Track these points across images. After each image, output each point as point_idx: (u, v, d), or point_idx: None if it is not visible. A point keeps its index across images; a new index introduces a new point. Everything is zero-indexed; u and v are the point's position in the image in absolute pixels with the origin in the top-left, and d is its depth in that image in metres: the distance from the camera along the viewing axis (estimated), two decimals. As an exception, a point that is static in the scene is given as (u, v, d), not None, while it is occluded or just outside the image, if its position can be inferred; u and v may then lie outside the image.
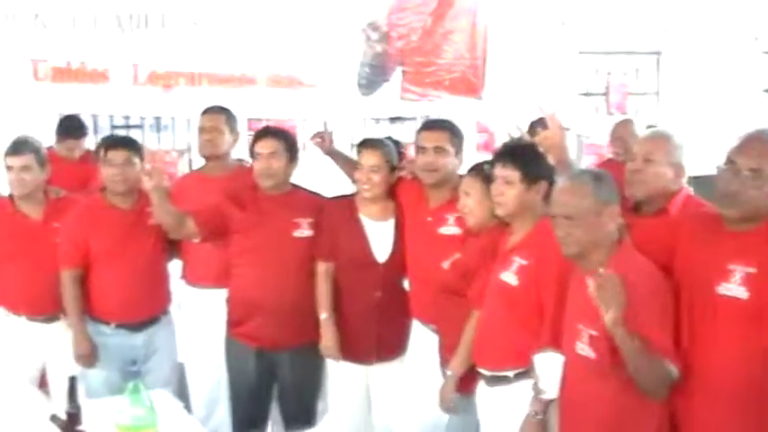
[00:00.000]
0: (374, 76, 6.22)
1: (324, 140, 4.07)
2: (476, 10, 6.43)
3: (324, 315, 3.57)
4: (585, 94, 7.16)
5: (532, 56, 6.59)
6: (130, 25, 5.60)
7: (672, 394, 2.46)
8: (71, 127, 5.20)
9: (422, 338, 3.55)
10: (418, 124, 6.71)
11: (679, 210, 2.92)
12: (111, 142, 3.88)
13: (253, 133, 4.98)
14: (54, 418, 2.82)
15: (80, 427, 2.82)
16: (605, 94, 7.22)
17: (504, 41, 6.54)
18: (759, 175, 2.40)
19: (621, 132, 5.14)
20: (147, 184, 3.45)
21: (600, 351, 2.47)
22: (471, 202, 3.22)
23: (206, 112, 4.20)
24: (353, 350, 3.62)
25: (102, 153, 3.80)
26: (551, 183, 2.94)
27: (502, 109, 6.57)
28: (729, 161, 2.46)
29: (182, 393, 3.91)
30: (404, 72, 6.32)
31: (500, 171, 2.96)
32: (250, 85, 5.88)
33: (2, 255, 3.80)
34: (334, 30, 6.05)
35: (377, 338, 3.62)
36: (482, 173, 3.24)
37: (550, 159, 2.94)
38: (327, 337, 3.55)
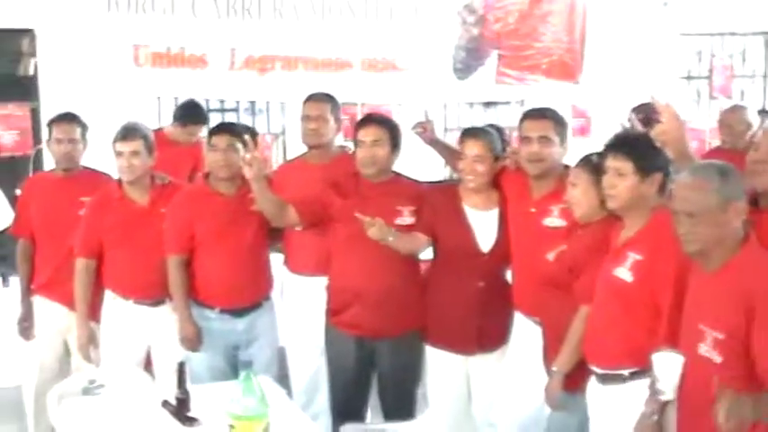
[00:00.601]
0: (470, 60, 6.12)
1: (425, 130, 4.03)
2: (574, -9, 6.28)
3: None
4: (687, 78, 6.93)
5: (632, 38, 6.40)
6: (228, 11, 5.64)
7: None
8: (196, 113, 5.25)
9: (524, 331, 3.49)
10: (513, 109, 6.65)
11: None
12: (215, 129, 3.91)
13: (347, 117, 5.04)
14: (165, 404, 2.87)
15: (190, 413, 2.87)
16: (708, 77, 6.97)
17: (604, 23, 6.35)
18: None
19: (730, 119, 4.95)
20: (248, 173, 3.46)
21: (726, 354, 2.36)
22: (579, 194, 3.15)
23: (310, 99, 4.11)
24: (454, 340, 3.59)
25: (207, 139, 3.86)
26: (666, 174, 2.84)
27: (599, 93, 6.43)
28: None
29: (282, 378, 3.94)
30: (500, 56, 6.20)
31: (612, 162, 2.87)
32: (345, 69, 5.86)
33: (110, 240, 3.88)
34: (430, 13, 5.98)
35: (478, 329, 3.57)
36: (590, 163, 3.16)
37: (669, 153, 2.82)
38: None
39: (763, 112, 5.80)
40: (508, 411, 3.56)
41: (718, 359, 2.39)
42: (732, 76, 7.06)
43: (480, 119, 6.67)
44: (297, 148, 5.84)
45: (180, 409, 2.86)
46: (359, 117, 6.05)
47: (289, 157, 6.13)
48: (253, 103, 6.21)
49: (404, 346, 3.65)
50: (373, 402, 3.85)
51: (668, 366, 2.42)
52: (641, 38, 6.44)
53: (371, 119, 3.77)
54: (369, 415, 3.88)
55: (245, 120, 6.20)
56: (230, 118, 6.25)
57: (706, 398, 2.38)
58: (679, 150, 2.78)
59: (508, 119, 6.60)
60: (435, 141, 4.09)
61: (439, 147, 4.12)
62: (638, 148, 2.86)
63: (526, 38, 6.20)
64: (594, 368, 2.92)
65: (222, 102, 6.21)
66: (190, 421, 2.84)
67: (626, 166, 2.82)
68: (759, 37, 7.09)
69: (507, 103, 6.52)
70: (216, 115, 6.23)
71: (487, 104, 6.59)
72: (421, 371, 3.75)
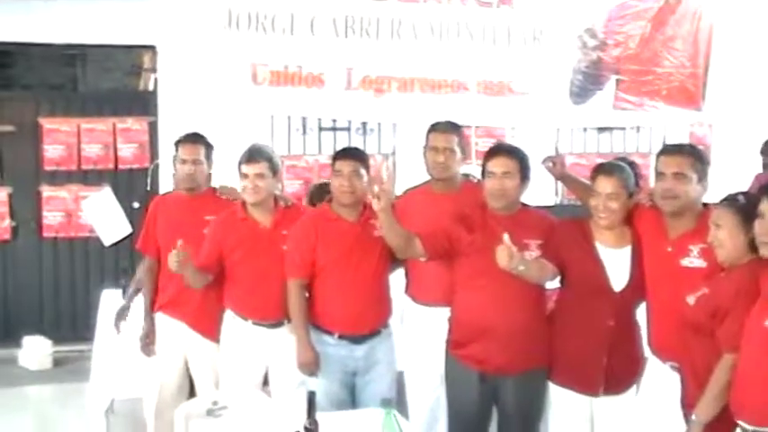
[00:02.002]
0: (587, 85, 6.01)
1: (555, 165, 3.94)
2: (700, 15, 6.09)
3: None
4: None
5: (759, 64, 6.18)
6: (346, 30, 5.66)
7: None
8: None
9: (659, 375, 3.36)
10: (628, 135, 6.51)
11: None
12: (340, 153, 3.90)
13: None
14: (297, 435, 2.85)
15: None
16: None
17: (729, 49, 6.15)
18: None
19: None
20: (376, 205, 3.42)
21: None
22: (723, 235, 3.01)
23: (437, 130, 4.00)
24: (579, 379, 3.49)
25: (331, 164, 3.85)
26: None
27: (721, 120, 6.23)
28: None
29: (400, 402, 3.89)
30: (618, 81, 6.07)
31: (768, 207, 2.73)
32: (461, 92, 5.81)
33: (232, 259, 3.91)
34: (549, 36, 5.90)
35: (605, 369, 3.45)
36: (737, 203, 3.03)
37: None
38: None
39: None
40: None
41: None
42: None
43: (594, 144, 6.56)
44: (406, 168, 5.86)
45: (310, 441, 2.83)
46: (472, 140, 6.07)
47: (398, 179, 6.14)
48: (365, 123, 6.23)
49: (528, 384, 3.56)
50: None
51: None
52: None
53: (502, 149, 3.69)
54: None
55: (357, 140, 6.23)
56: (342, 137, 6.30)
57: None
58: None
59: (623, 145, 6.49)
60: (565, 177, 3.99)
61: (569, 181, 4.01)
62: None
63: (647, 63, 6.06)
64: (744, 424, 2.77)
65: (334, 121, 6.24)
66: (321, 454, 2.80)
67: None
68: None
69: (623, 128, 6.38)
70: (327, 134, 6.30)
71: (601, 130, 6.46)
72: (544, 409, 3.64)
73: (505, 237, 3.20)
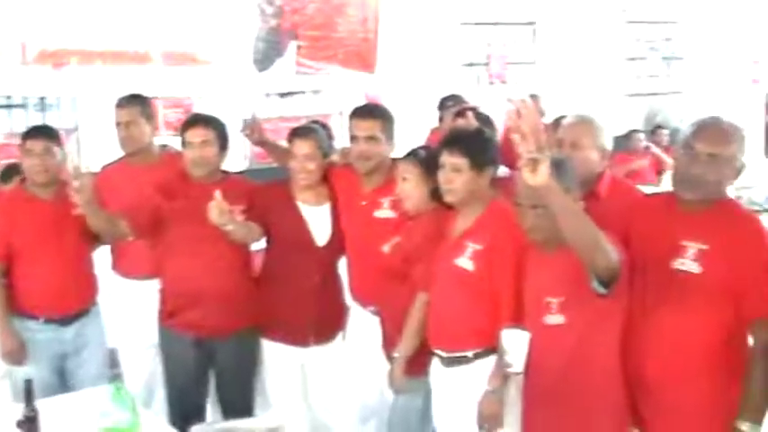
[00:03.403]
0: (269, 51, 6.18)
1: (253, 131, 4.06)
2: (366, -18, 6.49)
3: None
4: (469, 65, 7.35)
5: (420, 28, 6.73)
6: (18, 1, 5.32)
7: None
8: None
9: (361, 321, 3.65)
10: (308, 99, 6.79)
11: (608, 192, 3.12)
12: (30, 132, 3.73)
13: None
14: (20, 424, 2.76)
15: (42, 432, 2.77)
16: (486, 64, 7.44)
17: (395, 15, 6.63)
18: (716, 161, 2.62)
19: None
20: (77, 198, 3.31)
21: (570, 314, 2.70)
22: (408, 187, 3.31)
23: (118, 105, 4.05)
24: (290, 333, 3.68)
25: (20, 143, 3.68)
26: (497, 167, 3.10)
27: (391, 82, 6.70)
28: (688, 146, 2.67)
29: (114, 379, 3.83)
30: (298, 46, 6.31)
31: (448, 159, 3.03)
32: (145, 63, 5.72)
33: None
34: (229, 5, 5.97)
35: (314, 321, 3.68)
36: (418, 157, 3.35)
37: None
38: None
39: (533, 96, 6.21)
40: (347, 401, 3.72)
41: (562, 320, 2.72)
42: (507, 63, 7.58)
43: (277, 109, 6.75)
44: (91, 144, 5.67)
45: (31, 429, 2.75)
46: (161, 111, 5.99)
47: (83, 155, 5.91)
48: (43, 98, 5.91)
49: (242, 343, 3.69)
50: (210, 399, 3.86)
51: (516, 341, 2.68)
52: (427, 28, 6.80)
53: (198, 119, 3.71)
54: (208, 414, 3.88)
55: (36, 116, 5.88)
56: (18, 115, 5.90)
57: (553, 363, 2.71)
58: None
59: (304, 108, 6.74)
60: (264, 142, 4.14)
61: (268, 147, 4.17)
62: (473, 144, 3.06)
63: (323, 28, 6.34)
64: (439, 352, 3.11)
65: (8, 98, 5.85)
66: (47, 440, 2.74)
67: (462, 161, 3.00)
68: (528, 27, 7.69)
69: (303, 92, 6.63)
70: (2, 112, 5.89)
71: (283, 95, 6.66)
72: (257, 366, 3.78)
73: (217, 193, 3.30)
